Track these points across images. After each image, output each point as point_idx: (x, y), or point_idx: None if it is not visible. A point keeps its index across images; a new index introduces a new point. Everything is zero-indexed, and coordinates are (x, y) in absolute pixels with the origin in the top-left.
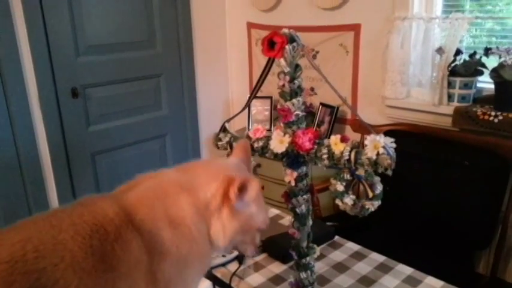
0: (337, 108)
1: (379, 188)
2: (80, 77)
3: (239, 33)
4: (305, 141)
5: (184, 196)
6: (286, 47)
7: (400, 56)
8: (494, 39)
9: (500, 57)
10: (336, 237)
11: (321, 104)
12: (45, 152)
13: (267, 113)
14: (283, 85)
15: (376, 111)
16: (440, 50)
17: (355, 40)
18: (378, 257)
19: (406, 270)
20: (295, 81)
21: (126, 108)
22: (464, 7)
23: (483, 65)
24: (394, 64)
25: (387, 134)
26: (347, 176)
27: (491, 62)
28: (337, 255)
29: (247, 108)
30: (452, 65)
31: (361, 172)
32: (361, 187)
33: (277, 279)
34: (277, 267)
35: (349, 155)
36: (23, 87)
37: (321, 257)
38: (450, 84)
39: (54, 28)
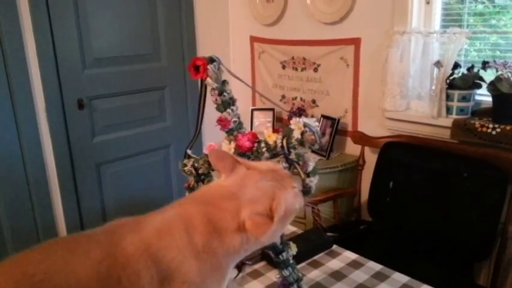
0: (338, 120)
1: (311, 164)
2: (86, 88)
3: (242, 47)
4: (245, 141)
5: (211, 227)
6: (208, 67)
7: (399, 69)
8: (498, 53)
9: (497, 71)
10: (334, 246)
11: (322, 116)
12: (51, 162)
13: (269, 124)
14: (216, 99)
15: (376, 124)
16: (438, 64)
17: (356, 54)
18: (374, 266)
19: (402, 278)
20: (225, 94)
21: (131, 119)
22: (463, 21)
23: (481, 78)
24: (393, 77)
25: (387, 145)
26: (283, 163)
27: (489, 75)
28: (335, 264)
29: (250, 120)
30: (451, 78)
31: (293, 156)
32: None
33: (275, 286)
34: (275, 275)
35: (282, 142)
36: (30, 99)
37: (318, 265)
38: (448, 97)
39: (61, 41)
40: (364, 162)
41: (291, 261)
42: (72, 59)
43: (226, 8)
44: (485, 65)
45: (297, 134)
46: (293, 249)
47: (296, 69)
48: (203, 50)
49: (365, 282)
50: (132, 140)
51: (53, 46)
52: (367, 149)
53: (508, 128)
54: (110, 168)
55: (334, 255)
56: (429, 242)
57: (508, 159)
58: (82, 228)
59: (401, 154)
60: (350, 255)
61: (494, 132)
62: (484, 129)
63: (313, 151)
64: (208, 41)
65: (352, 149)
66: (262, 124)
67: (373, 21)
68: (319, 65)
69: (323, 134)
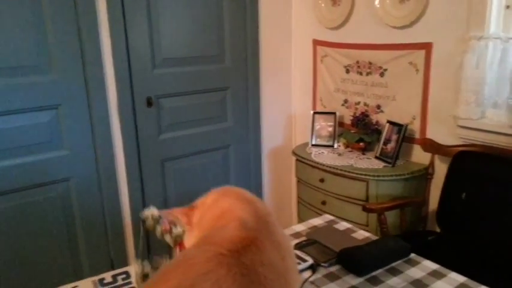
0: (406, 126)
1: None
2: (155, 87)
3: (304, 50)
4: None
5: None
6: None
7: (474, 76)
8: None
9: None
10: (412, 255)
11: (388, 121)
12: (121, 156)
13: (331, 129)
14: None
15: (446, 132)
16: None
17: (426, 59)
18: (458, 277)
19: None
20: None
21: (194, 118)
22: None
23: None
24: (468, 84)
25: (460, 155)
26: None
27: None
28: (414, 272)
29: (311, 124)
30: None
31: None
32: None
33: None
34: (353, 279)
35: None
36: (104, 96)
37: (397, 272)
38: None
39: (134, 41)
40: (433, 171)
41: None
42: (144, 59)
43: (290, 11)
44: None
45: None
46: None
47: (361, 74)
48: (265, 53)
49: None
50: (195, 138)
51: (127, 46)
52: (435, 157)
53: None
54: (173, 165)
55: (412, 263)
56: (506, 258)
57: None
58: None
59: (476, 164)
60: (430, 265)
61: None
62: None
63: (377, 157)
64: (271, 44)
65: (418, 157)
66: (323, 128)
67: (446, 26)
68: (385, 70)
69: (388, 140)
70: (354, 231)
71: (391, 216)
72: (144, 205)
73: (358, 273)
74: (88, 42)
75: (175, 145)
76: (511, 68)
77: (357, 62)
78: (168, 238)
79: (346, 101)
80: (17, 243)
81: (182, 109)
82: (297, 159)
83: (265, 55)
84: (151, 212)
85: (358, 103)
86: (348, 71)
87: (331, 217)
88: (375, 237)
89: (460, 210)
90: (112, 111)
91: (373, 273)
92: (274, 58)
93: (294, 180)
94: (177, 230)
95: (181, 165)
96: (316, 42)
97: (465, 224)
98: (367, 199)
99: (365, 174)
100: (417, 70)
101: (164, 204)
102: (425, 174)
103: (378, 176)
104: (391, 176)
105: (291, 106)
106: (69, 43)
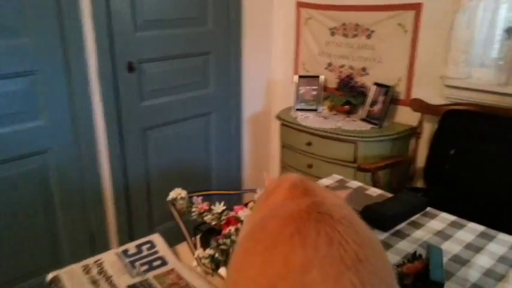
0: (393, 87)
1: None
2: (136, 51)
3: (287, 13)
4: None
5: None
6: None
7: (465, 36)
8: None
9: None
10: (428, 208)
11: (376, 83)
12: (101, 124)
13: (315, 92)
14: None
15: (433, 92)
16: (510, 31)
17: (416, 19)
18: (476, 227)
19: (509, 238)
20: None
21: (176, 84)
22: None
23: None
24: (458, 44)
25: (449, 113)
26: None
27: None
28: (435, 224)
29: (296, 88)
30: None
31: None
32: None
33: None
34: (378, 234)
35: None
36: (83, 61)
37: (419, 225)
38: None
39: (115, 2)
40: (421, 130)
41: None
42: (124, 21)
43: None
44: None
45: None
46: None
47: (346, 36)
48: (248, 16)
49: (474, 241)
50: (176, 106)
51: (107, 6)
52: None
53: None
54: (155, 133)
55: (431, 216)
56: (494, 213)
57: None
58: (127, 189)
59: (466, 122)
60: (448, 217)
61: None
62: None
63: (363, 120)
64: (253, 7)
65: (402, 117)
66: (307, 92)
67: None
68: (373, 32)
69: (375, 102)
70: (366, 189)
71: (384, 176)
72: (126, 176)
73: (383, 229)
74: (66, 2)
75: (157, 113)
76: (501, 28)
77: (343, 24)
78: (208, 218)
79: (330, 65)
80: None
81: (164, 75)
82: (282, 124)
83: (247, 18)
84: (177, 192)
85: (343, 66)
86: (333, 34)
87: (340, 176)
88: (388, 194)
89: (448, 167)
90: (92, 77)
91: (397, 228)
92: (256, 21)
93: (275, 145)
94: (218, 208)
95: (163, 133)
96: (300, 4)
97: (453, 180)
98: (355, 160)
99: (353, 136)
100: (405, 31)
101: (146, 174)
102: (412, 134)
103: (367, 137)
104: (380, 136)
105: (271, 71)
106: (45, 3)
